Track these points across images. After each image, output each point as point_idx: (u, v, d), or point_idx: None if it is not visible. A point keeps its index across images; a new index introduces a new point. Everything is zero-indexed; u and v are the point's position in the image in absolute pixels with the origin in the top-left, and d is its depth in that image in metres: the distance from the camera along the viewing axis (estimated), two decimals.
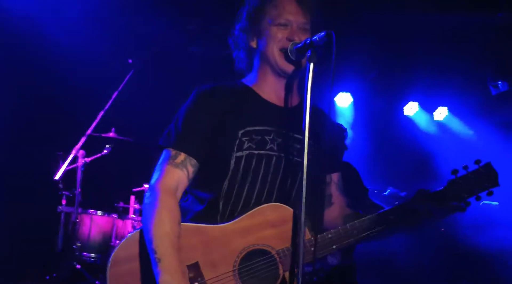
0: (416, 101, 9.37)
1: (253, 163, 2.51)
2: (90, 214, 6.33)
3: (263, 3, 2.64)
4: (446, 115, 9.43)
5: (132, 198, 6.71)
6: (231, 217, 2.48)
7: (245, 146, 2.52)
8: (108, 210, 6.48)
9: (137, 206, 6.63)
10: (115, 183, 7.27)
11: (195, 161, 2.51)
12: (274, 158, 2.55)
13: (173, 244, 2.30)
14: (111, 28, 6.99)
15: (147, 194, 2.45)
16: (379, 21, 7.50)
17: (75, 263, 6.06)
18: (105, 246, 6.33)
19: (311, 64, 2.26)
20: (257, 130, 2.56)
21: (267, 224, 2.45)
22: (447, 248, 7.49)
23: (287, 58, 2.54)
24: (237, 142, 2.52)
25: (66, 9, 6.69)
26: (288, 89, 2.67)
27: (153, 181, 2.47)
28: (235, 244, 2.42)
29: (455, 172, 2.54)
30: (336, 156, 2.87)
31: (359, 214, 2.64)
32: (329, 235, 2.48)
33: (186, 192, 2.61)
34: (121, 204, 6.67)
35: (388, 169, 8.81)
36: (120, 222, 6.46)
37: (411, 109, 9.42)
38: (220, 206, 2.51)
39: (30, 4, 6.54)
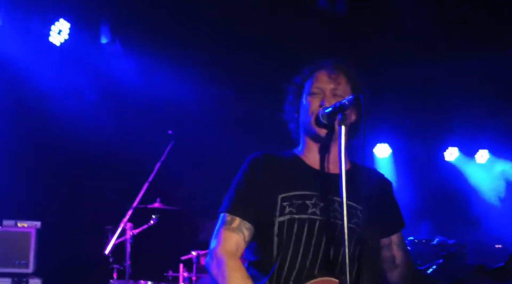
0: (455, 147, 9.30)
1: (295, 228, 2.55)
2: None
3: (303, 80, 2.78)
4: (488, 158, 9.31)
5: (181, 266, 6.73)
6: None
7: (286, 210, 2.56)
8: (158, 279, 6.50)
9: (186, 274, 6.64)
10: (163, 252, 7.32)
11: (249, 224, 2.60)
12: (318, 222, 2.56)
13: None
14: (150, 101, 7.22)
15: (210, 262, 2.55)
16: (410, 71, 7.58)
17: None
18: None
19: (343, 127, 2.34)
20: (297, 195, 2.59)
21: None
22: None
23: (318, 123, 2.60)
24: (278, 207, 2.57)
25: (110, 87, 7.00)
26: (331, 155, 2.71)
27: (213, 246, 2.57)
28: None
29: None
30: (393, 217, 2.85)
31: (428, 277, 2.67)
32: None
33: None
34: (170, 273, 6.69)
35: (434, 217, 8.66)
36: None
37: (452, 154, 9.34)
38: (272, 274, 2.55)
39: (75, 79, 6.87)
